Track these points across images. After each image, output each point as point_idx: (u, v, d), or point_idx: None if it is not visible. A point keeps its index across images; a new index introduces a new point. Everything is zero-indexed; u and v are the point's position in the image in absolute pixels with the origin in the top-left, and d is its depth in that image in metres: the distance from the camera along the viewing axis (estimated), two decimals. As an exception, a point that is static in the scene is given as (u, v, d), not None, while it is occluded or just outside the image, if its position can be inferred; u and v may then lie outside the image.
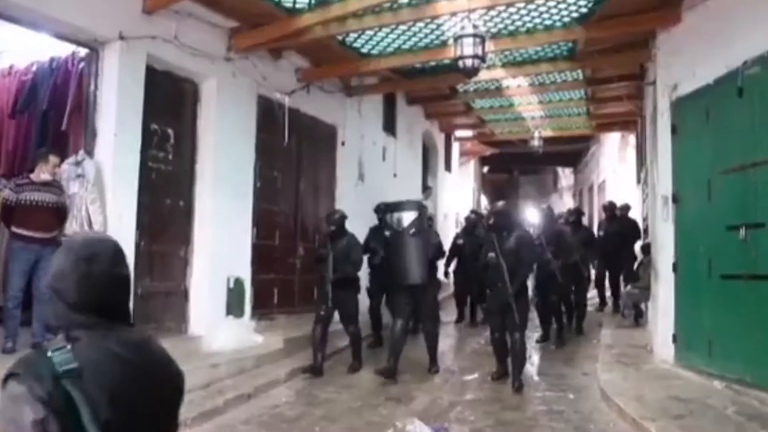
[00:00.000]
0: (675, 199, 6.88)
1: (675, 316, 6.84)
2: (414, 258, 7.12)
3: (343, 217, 7.47)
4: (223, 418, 5.60)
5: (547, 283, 8.83)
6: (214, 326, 7.18)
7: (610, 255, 10.85)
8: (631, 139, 14.56)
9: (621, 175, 15.63)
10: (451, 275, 10.91)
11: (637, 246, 10.71)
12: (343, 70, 9.49)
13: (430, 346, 7.43)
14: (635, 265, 10.26)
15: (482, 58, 6.79)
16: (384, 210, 8.42)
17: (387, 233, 7.75)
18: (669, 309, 6.92)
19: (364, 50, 8.87)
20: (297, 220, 9.22)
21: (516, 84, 11.21)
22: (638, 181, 12.46)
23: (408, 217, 7.35)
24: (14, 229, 5.88)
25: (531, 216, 12.94)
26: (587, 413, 5.84)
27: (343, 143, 10.27)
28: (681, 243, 6.84)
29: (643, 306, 9.66)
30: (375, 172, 11.20)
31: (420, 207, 7.63)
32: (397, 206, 7.65)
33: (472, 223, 10.96)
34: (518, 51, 9.02)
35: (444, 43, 8.35)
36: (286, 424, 5.60)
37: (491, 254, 6.57)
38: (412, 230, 7.22)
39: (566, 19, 7.63)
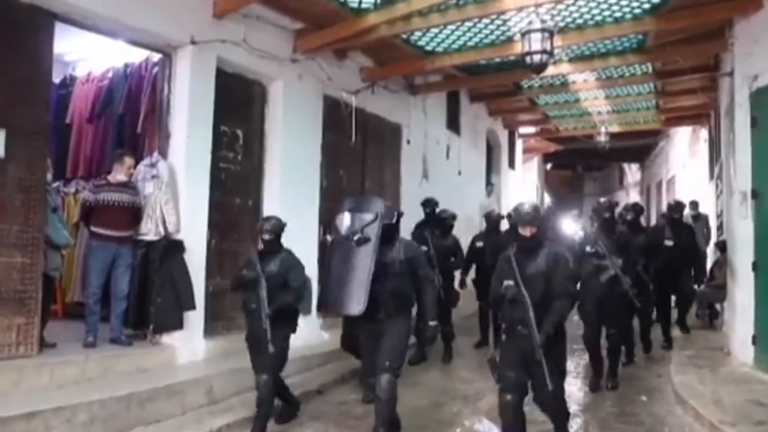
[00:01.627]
0: (755, 195, 6.61)
1: (755, 317, 6.57)
2: (353, 276, 4.91)
3: (281, 225, 5.46)
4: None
5: (618, 310, 6.51)
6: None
7: (672, 271, 8.33)
8: (703, 133, 14.03)
9: (692, 170, 15.10)
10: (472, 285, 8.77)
11: (711, 244, 10.33)
12: (407, 69, 9.49)
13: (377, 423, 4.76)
14: (709, 264, 9.89)
15: (550, 53, 6.67)
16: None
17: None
18: (748, 309, 6.66)
19: (429, 48, 8.85)
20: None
21: (582, 79, 10.97)
22: (711, 177, 12.01)
23: (358, 220, 5.18)
24: (93, 228, 6.10)
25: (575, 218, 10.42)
26: (661, 416, 5.68)
27: (408, 142, 10.27)
28: (761, 241, 6.57)
29: (718, 306, 9.31)
30: (439, 171, 11.17)
31: (384, 208, 5.16)
32: (354, 205, 5.44)
33: (495, 221, 9.04)
34: (586, 45, 8.81)
35: (510, 39, 8.24)
36: (354, 420, 5.64)
37: (508, 282, 4.33)
38: (357, 236, 4.99)
39: (637, 11, 7.41)
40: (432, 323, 4.95)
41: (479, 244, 8.69)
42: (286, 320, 5.19)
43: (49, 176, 5.73)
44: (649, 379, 6.98)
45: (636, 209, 8.04)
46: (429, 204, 8.44)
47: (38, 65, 5.47)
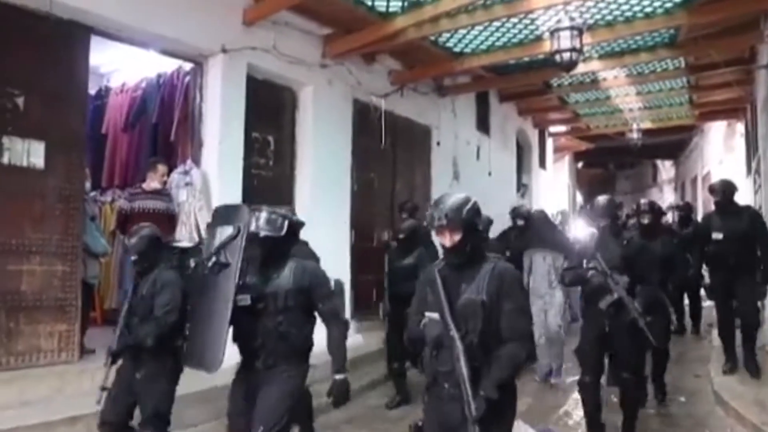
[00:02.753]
0: (795, 190, 6.40)
1: (796, 315, 6.38)
2: (209, 320, 3.63)
3: (153, 238, 4.28)
4: (326, 418, 5.67)
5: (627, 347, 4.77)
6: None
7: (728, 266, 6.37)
8: (739, 127, 13.76)
9: (728, 165, 14.81)
10: None
11: None
12: (436, 71, 9.48)
13: None
14: None
15: (580, 51, 6.63)
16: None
17: None
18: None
19: (457, 49, 8.83)
20: (394, 221, 9.28)
21: (613, 75, 10.84)
22: (749, 172, 11.76)
23: (219, 235, 3.73)
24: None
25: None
26: (701, 417, 5.58)
27: (438, 143, 10.27)
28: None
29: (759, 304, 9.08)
30: (469, 172, 11.12)
31: (264, 216, 3.56)
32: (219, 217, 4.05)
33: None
34: (616, 41, 8.70)
35: (538, 38, 8.19)
36: (388, 423, 5.65)
37: (430, 315, 2.95)
38: (212, 262, 3.61)
39: (668, 5, 7.30)
40: (338, 376, 3.62)
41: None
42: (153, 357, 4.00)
43: (87, 185, 5.86)
44: (687, 380, 6.86)
45: (688, 208, 8.54)
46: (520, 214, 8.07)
47: (75, 78, 5.60)
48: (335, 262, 7.74)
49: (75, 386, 5.12)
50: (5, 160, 5.07)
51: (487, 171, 11.89)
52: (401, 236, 6.38)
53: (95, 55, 5.99)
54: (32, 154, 5.20)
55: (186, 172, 6.36)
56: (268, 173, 7.34)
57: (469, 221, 2.86)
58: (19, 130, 5.14)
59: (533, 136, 15.75)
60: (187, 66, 6.92)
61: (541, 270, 7.04)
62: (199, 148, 6.57)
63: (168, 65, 7.24)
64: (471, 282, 2.85)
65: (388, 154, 9.16)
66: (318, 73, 7.72)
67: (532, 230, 7.40)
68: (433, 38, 8.31)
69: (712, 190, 6.64)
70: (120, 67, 8.04)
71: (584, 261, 4.84)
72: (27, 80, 5.21)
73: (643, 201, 5.91)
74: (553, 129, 16.75)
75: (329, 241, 7.62)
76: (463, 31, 8.14)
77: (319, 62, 7.73)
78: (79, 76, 5.66)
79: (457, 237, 2.85)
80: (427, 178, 10.18)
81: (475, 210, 2.91)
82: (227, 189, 6.49)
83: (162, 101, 7.32)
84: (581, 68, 9.03)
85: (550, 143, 17.43)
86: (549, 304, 7.00)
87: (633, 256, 4.77)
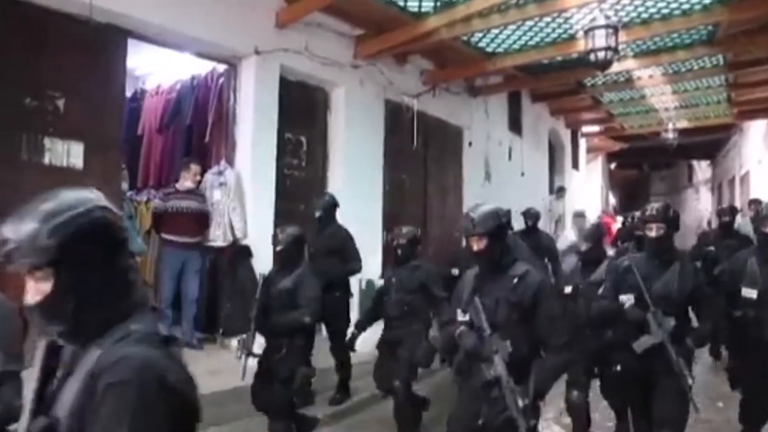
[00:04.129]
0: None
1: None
2: None
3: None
4: (358, 417, 5.68)
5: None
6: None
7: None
8: (780, 126, 13.47)
9: (767, 165, 14.50)
10: None
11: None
12: (468, 71, 9.45)
13: None
14: None
15: (615, 50, 6.54)
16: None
17: None
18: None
19: (489, 49, 8.78)
20: (425, 222, 9.27)
21: (648, 74, 10.68)
22: (789, 172, 11.49)
23: None
24: (164, 235, 6.32)
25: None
26: (738, 423, 5.44)
27: (470, 144, 10.23)
28: None
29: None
30: (501, 172, 11.06)
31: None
32: None
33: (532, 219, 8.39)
34: (652, 39, 8.57)
35: (572, 37, 8.10)
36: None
37: (463, 320, 3.26)
38: None
39: (706, 2, 7.16)
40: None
41: None
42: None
43: (125, 186, 5.96)
44: (722, 385, 6.69)
45: (732, 211, 7.67)
46: (530, 215, 8.38)
47: (113, 81, 5.72)
48: (367, 262, 7.79)
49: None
50: (46, 160, 5.20)
51: (518, 172, 11.81)
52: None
53: (131, 58, 6.08)
54: (72, 154, 5.32)
55: (220, 173, 6.44)
56: (301, 174, 7.38)
57: (495, 229, 3.18)
58: (60, 131, 5.27)
59: (566, 136, 15.59)
60: (221, 68, 6.99)
61: None
62: (233, 148, 6.65)
63: (202, 67, 7.32)
64: (503, 287, 3.20)
65: (419, 155, 9.14)
66: (350, 73, 7.74)
67: None
68: (465, 38, 8.27)
69: (756, 214, 4.75)
70: (155, 70, 8.14)
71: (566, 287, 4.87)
72: (67, 83, 5.33)
73: (652, 205, 3.97)
74: (586, 129, 16.55)
75: (361, 241, 7.66)
76: (495, 31, 8.09)
77: (351, 63, 7.75)
78: (116, 79, 5.78)
79: (483, 244, 3.18)
80: (459, 178, 10.15)
81: (502, 219, 3.27)
82: (261, 189, 6.56)
83: (196, 103, 7.41)
84: (616, 67, 8.89)
85: (583, 144, 17.24)
86: None
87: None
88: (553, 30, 8.06)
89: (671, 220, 3.85)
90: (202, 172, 6.52)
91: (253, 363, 4.45)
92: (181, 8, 5.86)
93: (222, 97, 6.90)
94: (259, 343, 4.48)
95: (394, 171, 8.59)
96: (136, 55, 6.59)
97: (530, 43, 8.52)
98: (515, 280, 3.16)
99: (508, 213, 4.09)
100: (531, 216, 8.36)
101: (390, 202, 8.38)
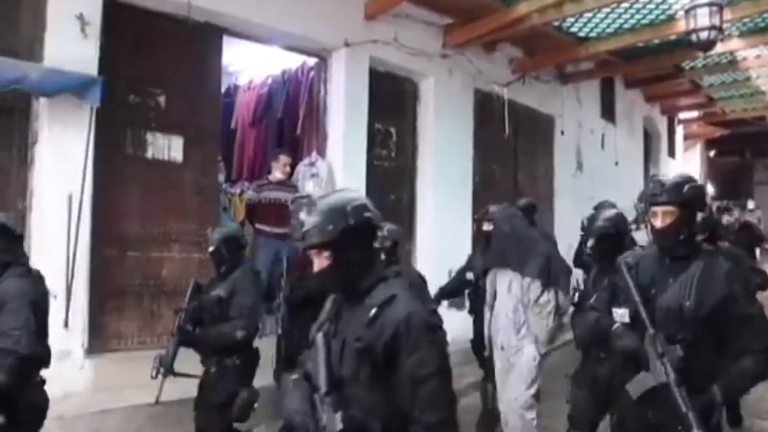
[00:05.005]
0: None
1: None
2: None
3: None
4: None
5: None
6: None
7: None
8: None
9: None
10: None
11: None
12: (559, 57, 9.20)
13: None
14: None
15: (719, 29, 6.19)
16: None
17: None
18: None
19: (582, 34, 8.50)
20: (515, 212, 9.13)
21: (755, 54, 10.05)
22: None
23: None
24: (257, 225, 6.47)
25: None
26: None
27: (562, 133, 9.99)
28: None
29: None
30: (594, 162, 10.74)
31: None
32: None
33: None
34: (760, 16, 8.03)
35: (671, 18, 7.72)
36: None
37: (619, 311, 2.81)
38: None
39: (822, -26, 6.68)
40: None
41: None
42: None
43: (221, 178, 6.15)
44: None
45: None
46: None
47: (210, 77, 5.93)
48: (457, 253, 7.75)
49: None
50: (149, 154, 5.46)
51: (611, 160, 11.42)
52: (210, 249, 4.06)
53: (225, 55, 6.27)
54: (172, 148, 5.56)
55: (312, 164, 6.55)
56: (390, 164, 7.43)
57: (692, 200, 2.71)
58: (161, 126, 5.53)
59: (661, 123, 14.98)
60: (311, 61, 7.11)
61: (505, 305, 4.52)
62: (324, 140, 6.76)
63: (292, 62, 7.46)
64: (681, 274, 2.66)
65: (509, 145, 9.00)
66: (439, 63, 7.70)
67: (494, 238, 4.92)
68: (556, 23, 8.05)
69: None
70: (247, 66, 8.37)
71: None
72: (167, 80, 5.58)
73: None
74: (683, 115, 15.86)
75: (450, 231, 7.65)
76: (588, 15, 7.82)
77: (440, 53, 7.71)
78: (213, 76, 5.99)
79: (677, 216, 2.67)
80: (550, 168, 9.93)
81: (700, 190, 2.80)
82: (351, 180, 6.62)
83: (287, 96, 7.56)
84: (719, 48, 8.42)
85: (679, 130, 16.51)
86: (512, 365, 4.47)
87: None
88: (651, 11, 7.70)
89: (688, 201, 2.67)
90: (294, 164, 6.64)
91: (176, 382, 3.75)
92: (273, 4, 6.02)
93: (313, 90, 7.01)
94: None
95: (483, 161, 8.50)
96: (229, 52, 6.78)
97: (625, 26, 8.18)
98: None
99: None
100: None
101: (480, 193, 8.29)
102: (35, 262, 4.79)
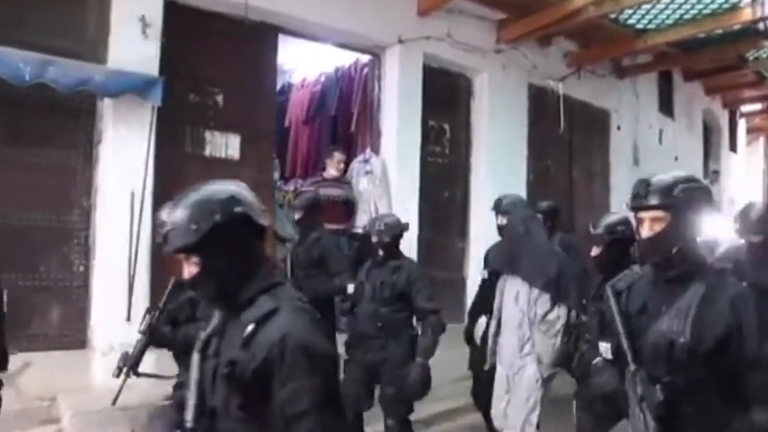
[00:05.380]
0: None
1: None
2: None
3: None
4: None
5: None
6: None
7: None
8: None
9: None
10: None
11: None
12: (616, 51, 8.98)
13: None
14: None
15: (788, 18, 5.95)
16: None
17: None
18: None
19: (640, 26, 8.28)
20: (571, 210, 8.96)
21: (827, 43, 9.61)
22: None
23: None
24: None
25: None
26: None
27: (618, 128, 9.77)
28: None
29: None
30: (651, 157, 10.45)
31: None
32: None
33: None
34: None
35: (735, 6, 7.44)
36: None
37: (604, 345, 2.35)
38: None
39: None
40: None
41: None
42: None
43: (276, 175, 6.23)
44: None
45: None
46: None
47: (266, 76, 6.06)
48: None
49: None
50: (207, 152, 5.60)
51: (670, 156, 11.09)
52: None
53: (279, 53, 6.34)
54: (229, 146, 5.68)
55: (366, 161, 6.59)
56: (444, 161, 7.42)
57: (687, 203, 2.13)
58: (219, 125, 5.66)
59: (722, 117, 14.48)
60: (365, 58, 7.13)
61: (512, 316, 4.13)
62: (378, 137, 6.80)
63: (345, 59, 7.49)
64: (675, 300, 2.12)
65: (564, 141, 8.85)
66: (492, 59, 7.62)
67: (505, 238, 4.62)
68: (613, 15, 7.85)
69: None
70: (300, 64, 8.45)
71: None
72: (225, 80, 5.70)
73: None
74: (746, 108, 15.27)
75: (505, 229, 7.56)
76: (647, 6, 7.60)
77: (494, 48, 7.62)
78: (268, 74, 6.11)
79: (659, 227, 2.13)
80: (606, 164, 9.72)
81: (699, 192, 2.19)
82: (405, 177, 6.65)
83: (340, 94, 7.60)
84: (786, 38, 8.12)
85: (742, 124, 15.92)
86: (514, 384, 4.09)
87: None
88: (713, 0, 7.46)
89: (681, 205, 2.10)
90: (348, 161, 6.68)
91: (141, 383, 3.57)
92: (327, 2, 6.07)
93: (366, 87, 7.04)
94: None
95: (537, 157, 8.38)
96: (283, 50, 6.86)
97: (686, 16, 7.92)
98: None
99: None
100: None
101: (534, 189, 8.17)
102: (99, 258, 5.01)
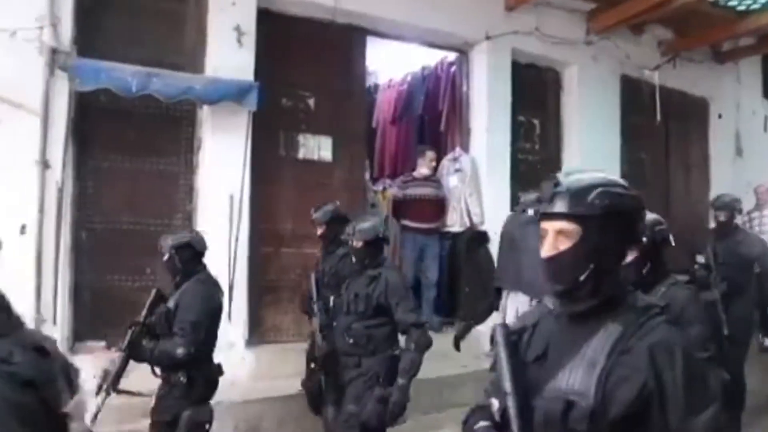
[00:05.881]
0: None
1: None
2: None
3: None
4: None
5: None
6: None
7: None
8: None
9: None
10: None
11: None
12: (715, 35, 8.53)
13: None
14: None
15: None
16: None
17: None
18: None
19: (742, 7, 7.84)
20: (668, 203, 8.61)
21: None
22: None
23: None
24: (402, 221, 6.58)
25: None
26: None
27: (719, 116, 9.30)
28: None
29: None
30: (756, 146, 9.88)
31: None
32: None
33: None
34: None
35: None
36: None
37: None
38: None
39: None
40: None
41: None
42: None
43: (367, 176, 6.32)
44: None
45: None
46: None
47: (355, 78, 6.18)
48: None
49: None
50: (300, 155, 5.75)
51: (779, 144, 10.46)
52: (164, 258, 3.75)
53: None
54: (322, 148, 5.82)
55: (455, 159, 6.58)
56: (535, 157, 7.32)
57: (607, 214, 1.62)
58: (311, 127, 5.82)
59: (835, 100, 13.52)
60: (452, 56, 7.12)
61: None
62: (468, 135, 6.77)
63: (431, 58, 7.49)
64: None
65: (660, 132, 8.50)
66: (582, 50, 7.43)
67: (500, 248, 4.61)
68: (712, -1, 7.50)
69: None
70: (386, 65, 8.51)
71: None
72: (316, 83, 5.84)
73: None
74: None
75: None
76: (749, -13, 7.23)
77: (584, 39, 7.42)
78: (358, 76, 6.22)
79: (564, 245, 1.60)
80: (705, 155, 9.26)
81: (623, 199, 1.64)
82: (495, 174, 6.60)
83: (427, 93, 7.62)
84: None
85: None
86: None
87: None
88: (821, -23, 6.99)
89: (597, 217, 1.53)
90: (437, 160, 6.68)
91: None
92: (414, 2, 6.10)
93: (455, 85, 7.02)
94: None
95: (632, 149, 8.10)
96: (369, 52, 6.96)
97: (791, -5, 7.47)
98: None
99: None
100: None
101: (629, 182, 7.88)
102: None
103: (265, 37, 5.44)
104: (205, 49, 5.26)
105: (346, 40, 6.00)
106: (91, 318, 4.96)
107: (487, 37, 6.60)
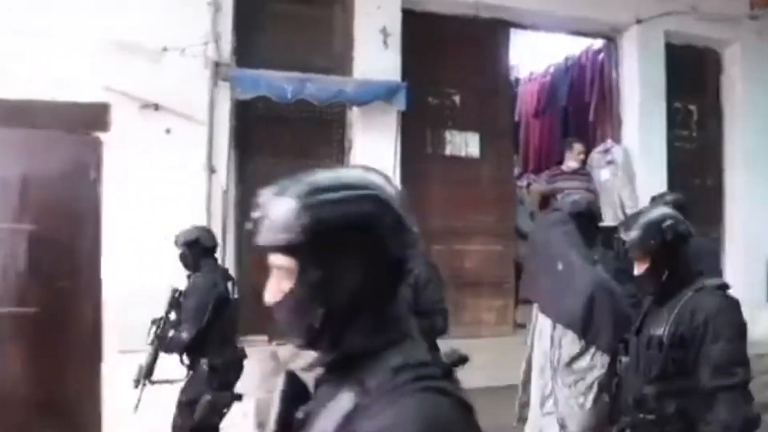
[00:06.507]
0: None
1: None
2: None
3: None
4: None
5: None
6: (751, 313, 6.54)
7: None
8: None
9: None
10: None
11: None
12: None
13: None
14: None
15: None
16: None
17: None
18: None
19: None
20: None
21: None
22: None
23: None
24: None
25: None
26: None
27: None
28: None
29: None
30: None
31: None
32: None
33: None
34: None
35: None
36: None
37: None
38: None
39: None
40: None
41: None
42: None
43: (516, 171, 6.24)
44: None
45: None
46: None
47: (500, 72, 6.17)
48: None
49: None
50: (447, 151, 5.80)
51: None
52: (179, 253, 3.98)
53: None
54: (469, 144, 5.84)
55: (606, 151, 6.34)
56: (692, 145, 6.90)
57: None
58: (457, 124, 5.84)
59: None
60: (598, 44, 6.85)
61: (536, 358, 3.46)
62: (619, 125, 6.51)
63: (575, 47, 7.25)
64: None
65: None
66: (746, 27, 6.85)
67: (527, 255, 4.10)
68: None
69: None
70: (527, 57, 8.34)
71: None
72: (460, 79, 5.87)
73: None
74: None
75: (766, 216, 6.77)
76: None
77: (747, 14, 6.85)
78: (502, 71, 6.21)
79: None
80: None
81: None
82: (650, 165, 6.31)
83: (571, 84, 7.37)
84: None
85: None
86: None
87: None
88: None
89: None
90: (586, 152, 6.46)
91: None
92: (558, -10, 5.93)
93: (603, 74, 6.76)
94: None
95: (807, 135, 7.40)
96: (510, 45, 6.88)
97: None
98: None
99: None
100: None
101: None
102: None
103: (409, 37, 5.51)
104: (352, 52, 5.43)
105: (489, 35, 5.96)
106: (253, 313, 5.24)
107: (638, 21, 6.29)
